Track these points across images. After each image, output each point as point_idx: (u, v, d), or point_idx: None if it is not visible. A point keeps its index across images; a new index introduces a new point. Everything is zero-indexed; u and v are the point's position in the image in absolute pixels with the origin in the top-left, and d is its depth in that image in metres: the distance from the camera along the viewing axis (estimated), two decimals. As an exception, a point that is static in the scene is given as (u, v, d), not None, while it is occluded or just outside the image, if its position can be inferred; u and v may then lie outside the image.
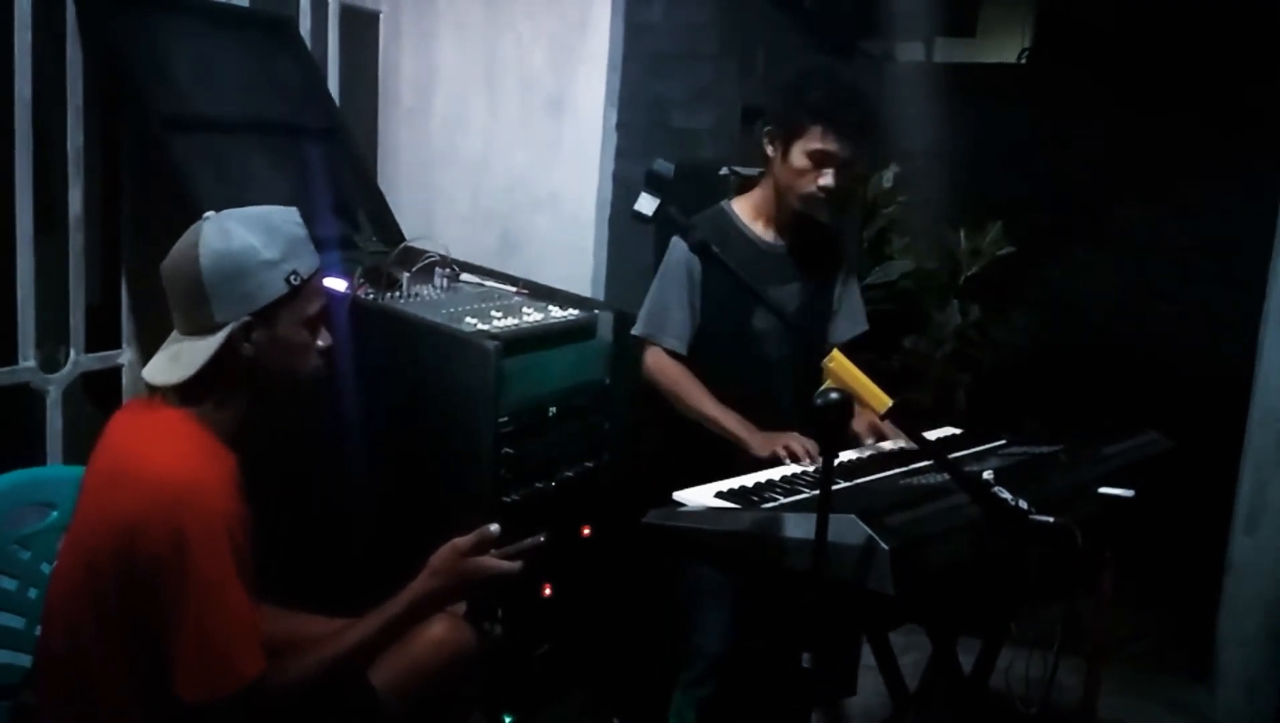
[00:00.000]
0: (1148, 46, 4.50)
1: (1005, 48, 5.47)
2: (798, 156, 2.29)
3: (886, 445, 2.25)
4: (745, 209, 2.45)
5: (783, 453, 2.14)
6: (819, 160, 2.28)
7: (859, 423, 2.28)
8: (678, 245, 2.37)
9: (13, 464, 1.96)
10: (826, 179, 2.29)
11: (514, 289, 2.71)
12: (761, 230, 2.43)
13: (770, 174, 2.39)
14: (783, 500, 1.82)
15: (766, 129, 2.35)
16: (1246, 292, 3.19)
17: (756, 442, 2.21)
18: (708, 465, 1.99)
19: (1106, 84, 4.55)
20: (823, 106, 2.26)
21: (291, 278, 1.63)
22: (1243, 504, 3.06)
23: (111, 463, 1.62)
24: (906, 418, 1.75)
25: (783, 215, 2.41)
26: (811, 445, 2.14)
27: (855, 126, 2.28)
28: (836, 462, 2.05)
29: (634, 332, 2.43)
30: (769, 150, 2.36)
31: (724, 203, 2.48)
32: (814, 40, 4.36)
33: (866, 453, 2.21)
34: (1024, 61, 5.33)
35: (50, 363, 2.45)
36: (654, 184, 1.77)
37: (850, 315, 2.55)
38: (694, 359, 2.38)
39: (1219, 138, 4.32)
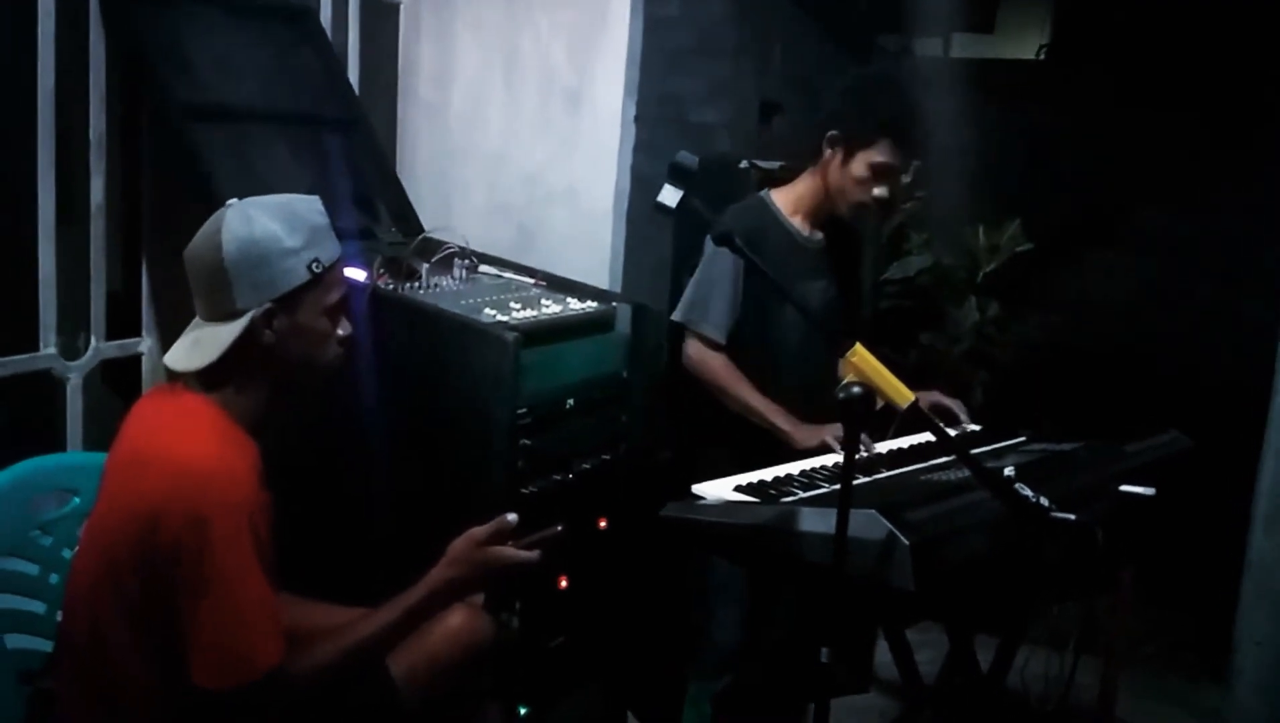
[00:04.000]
0: (1167, 44, 4.46)
1: (1023, 44, 5.44)
2: (859, 166, 2.31)
3: (905, 441, 2.25)
4: (785, 202, 2.45)
5: (832, 441, 2.14)
6: (880, 172, 2.31)
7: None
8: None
9: (33, 450, 1.97)
10: (883, 190, 2.33)
11: (533, 281, 2.70)
12: (800, 224, 2.44)
13: (819, 173, 2.39)
14: (802, 495, 1.81)
15: (830, 133, 2.34)
16: (1266, 291, 3.17)
17: (801, 435, 2.23)
18: (737, 457, 1.99)
19: (1125, 81, 4.52)
20: (894, 121, 2.28)
21: (314, 266, 1.64)
22: (1262, 505, 3.04)
23: (133, 449, 1.63)
24: (927, 413, 1.74)
25: (823, 213, 2.43)
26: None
27: (917, 141, 2.32)
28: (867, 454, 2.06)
29: (674, 317, 2.45)
30: (827, 152, 2.36)
31: (764, 193, 2.49)
32: (831, 36, 4.35)
33: (890, 447, 2.20)
34: (1042, 58, 5.30)
35: (71, 350, 2.46)
36: (677, 176, 1.77)
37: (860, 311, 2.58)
38: (727, 349, 2.39)
39: (1239, 136, 4.29)
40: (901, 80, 2.42)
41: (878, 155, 2.29)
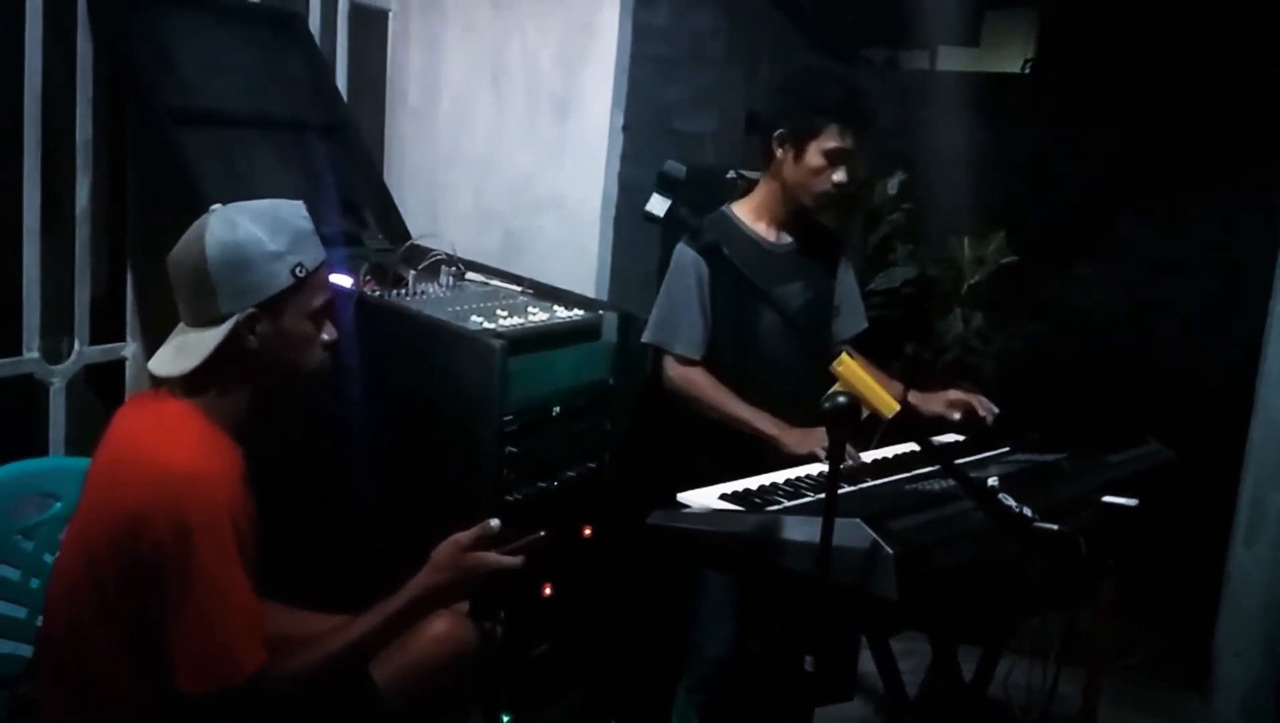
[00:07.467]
0: (1151, 57, 4.50)
1: (1008, 57, 5.48)
2: (814, 156, 2.33)
3: (890, 451, 2.25)
4: (746, 212, 2.47)
5: (821, 451, 2.14)
6: (835, 158, 2.33)
7: (936, 402, 2.35)
8: (683, 251, 2.38)
9: (15, 455, 1.96)
10: (840, 175, 2.35)
11: (519, 289, 2.71)
12: (764, 231, 2.45)
13: (774, 176, 2.41)
14: (787, 503, 1.81)
15: (777, 132, 2.36)
16: (1249, 303, 3.19)
17: (792, 439, 2.22)
18: (717, 469, 1.98)
19: (1110, 94, 4.56)
20: (838, 105, 2.31)
21: (297, 270, 1.64)
22: (1242, 516, 3.06)
23: (116, 454, 1.62)
24: (912, 423, 1.75)
25: (786, 215, 2.44)
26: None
27: (867, 121, 2.34)
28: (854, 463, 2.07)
29: (644, 339, 2.44)
30: (778, 152, 2.37)
31: (725, 207, 2.50)
32: (818, 47, 4.37)
33: (875, 457, 2.21)
34: (1027, 71, 5.33)
35: (54, 354, 2.45)
36: (665, 185, 1.78)
37: (852, 311, 2.58)
38: (705, 361, 2.39)
39: (1222, 149, 4.32)
40: (837, 68, 2.44)
41: (828, 141, 2.31)
